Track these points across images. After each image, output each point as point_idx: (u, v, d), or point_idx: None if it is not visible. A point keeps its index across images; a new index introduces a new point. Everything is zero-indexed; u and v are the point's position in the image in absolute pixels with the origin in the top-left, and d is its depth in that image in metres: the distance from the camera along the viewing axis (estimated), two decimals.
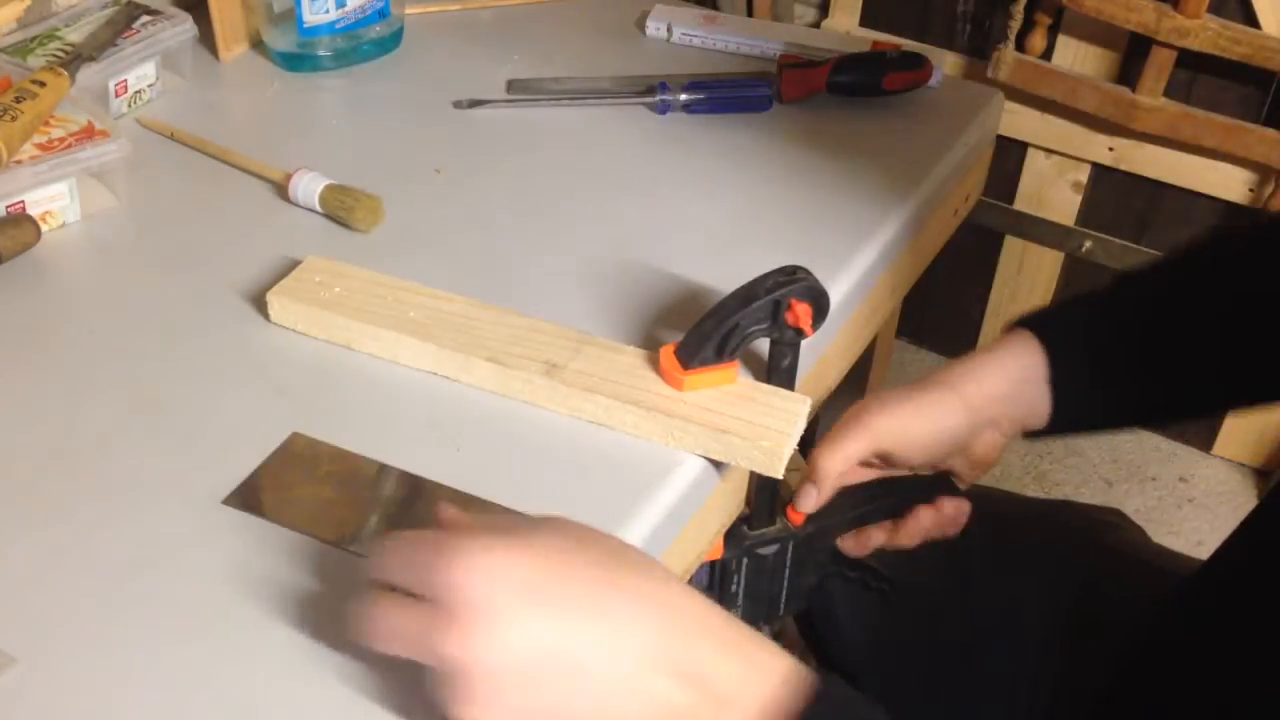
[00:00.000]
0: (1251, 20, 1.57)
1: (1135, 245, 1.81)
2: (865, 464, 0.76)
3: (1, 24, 0.93)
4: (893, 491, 0.77)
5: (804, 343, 0.74)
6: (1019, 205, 1.87)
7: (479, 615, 0.47)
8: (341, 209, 0.83)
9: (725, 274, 0.80)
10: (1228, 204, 1.70)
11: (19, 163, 0.80)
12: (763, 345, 0.70)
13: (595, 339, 0.71)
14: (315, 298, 0.73)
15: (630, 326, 0.75)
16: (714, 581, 0.77)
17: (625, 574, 0.50)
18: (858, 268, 0.82)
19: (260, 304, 0.75)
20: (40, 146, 0.81)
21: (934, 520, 0.77)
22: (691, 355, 0.66)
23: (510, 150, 0.93)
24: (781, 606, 0.79)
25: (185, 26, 0.96)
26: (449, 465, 0.66)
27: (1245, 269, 0.77)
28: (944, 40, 1.82)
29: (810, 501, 0.73)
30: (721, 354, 0.67)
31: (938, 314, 2.03)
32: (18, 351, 0.73)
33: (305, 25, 0.98)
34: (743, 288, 0.68)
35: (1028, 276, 1.92)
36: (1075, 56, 1.72)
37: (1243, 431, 1.88)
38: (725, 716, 0.49)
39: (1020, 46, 1.71)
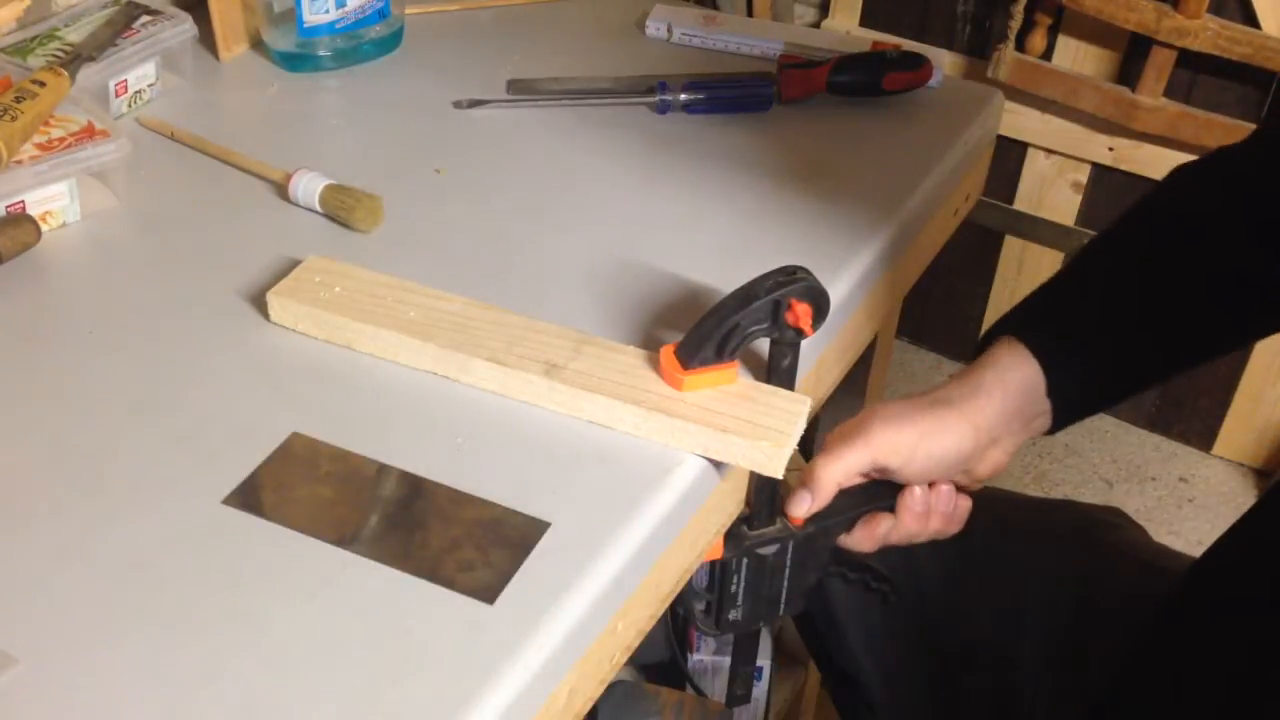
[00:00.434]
0: (1251, 20, 1.57)
1: None
2: (863, 475, 0.76)
3: (1, 24, 0.93)
4: (894, 491, 0.77)
5: (804, 343, 0.74)
6: (1019, 205, 1.87)
7: None
8: (341, 209, 0.83)
9: (725, 274, 0.80)
10: None
11: (19, 163, 0.80)
12: (763, 345, 0.70)
13: (595, 339, 0.71)
14: (315, 298, 0.73)
15: (630, 326, 0.75)
16: (714, 582, 0.77)
17: None
18: (858, 267, 0.82)
19: (260, 304, 0.75)
20: (40, 146, 0.81)
21: (893, 527, 0.76)
22: (691, 355, 0.66)
23: (510, 150, 0.93)
24: (781, 607, 0.79)
25: (185, 26, 0.96)
26: (449, 465, 0.66)
27: (1200, 199, 0.77)
28: (944, 40, 1.82)
29: (803, 507, 0.73)
30: (721, 354, 0.67)
31: (938, 314, 2.03)
32: (18, 351, 0.73)
33: (305, 25, 0.98)
34: (742, 288, 0.68)
35: (1028, 276, 1.92)
36: (1075, 56, 1.72)
37: (1243, 431, 1.88)
38: None
39: (1020, 46, 1.71)
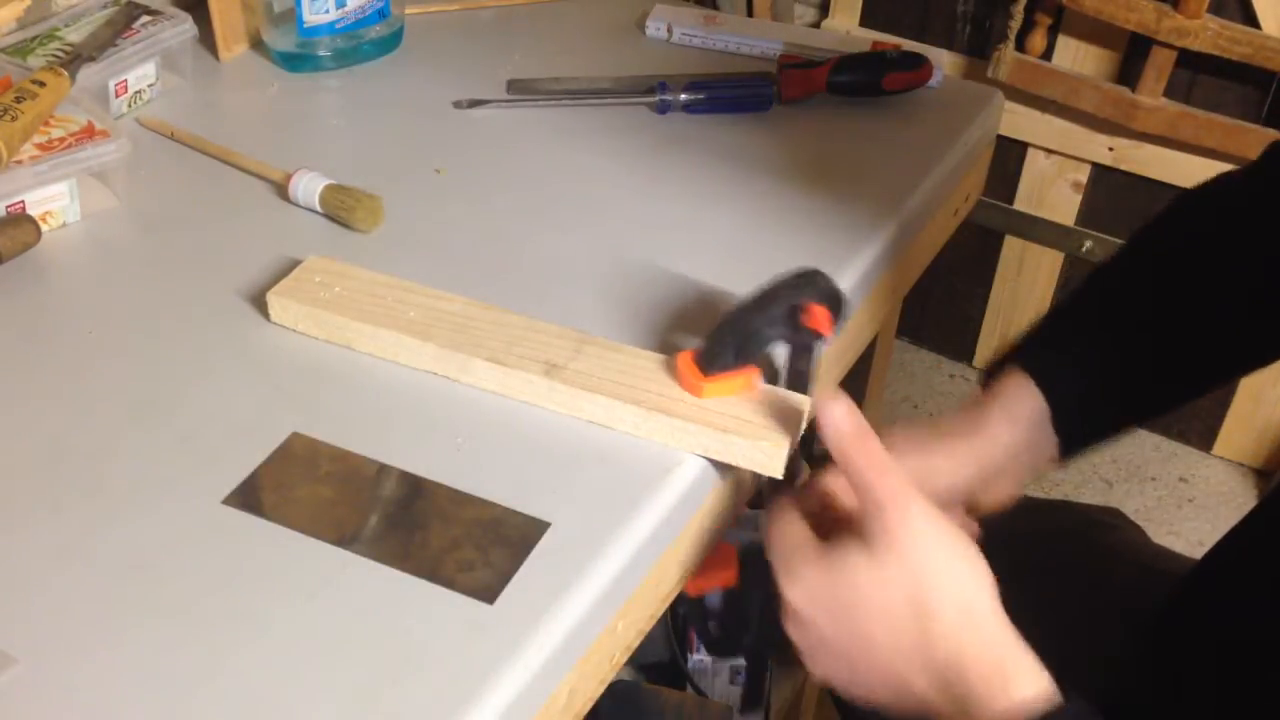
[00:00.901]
0: (1251, 20, 1.57)
1: None
2: None
3: (1, 24, 0.93)
4: None
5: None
6: (1019, 205, 1.87)
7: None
8: (341, 209, 0.83)
9: (725, 273, 0.80)
10: None
11: (19, 163, 0.80)
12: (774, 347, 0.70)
13: (595, 339, 0.71)
14: (315, 298, 0.73)
15: (630, 325, 0.75)
16: (728, 607, 0.77)
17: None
18: (858, 268, 0.82)
19: (260, 304, 0.75)
20: (40, 146, 0.81)
21: None
22: (711, 362, 0.66)
23: (510, 150, 0.93)
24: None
25: (185, 26, 0.96)
26: (449, 465, 0.66)
27: (1200, 227, 0.77)
28: (944, 40, 1.82)
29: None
30: (740, 360, 0.66)
31: (938, 314, 2.03)
32: (18, 351, 0.73)
33: (305, 25, 0.98)
34: (759, 292, 0.67)
35: (1028, 276, 1.92)
36: (1075, 56, 1.72)
37: (1243, 431, 1.88)
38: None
39: (1020, 46, 1.71)
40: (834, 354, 0.83)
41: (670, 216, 0.86)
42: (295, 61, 1.01)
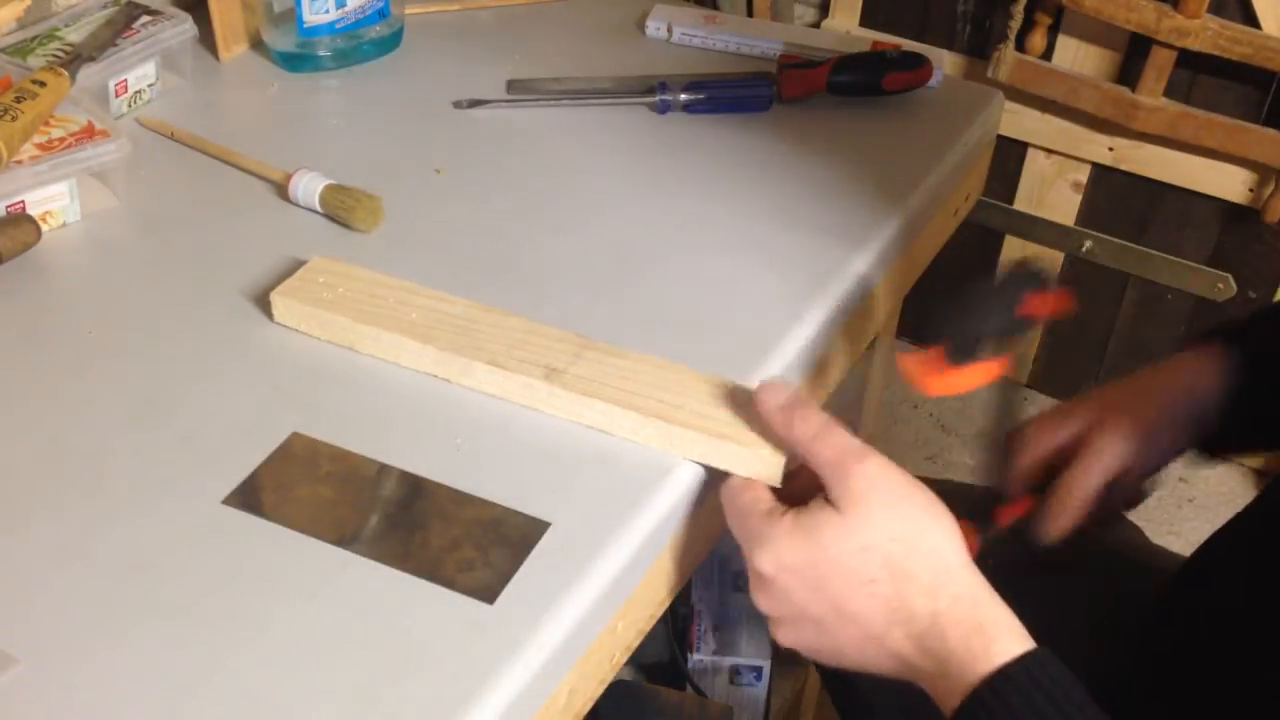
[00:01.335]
0: (1251, 20, 1.57)
1: (1135, 245, 1.81)
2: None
3: (1, 24, 0.93)
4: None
5: (804, 343, 0.74)
6: (1019, 205, 1.87)
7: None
8: (342, 209, 0.83)
9: (725, 273, 0.80)
10: (1228, 204, 1.71)
11: (19, 163, 0.80)
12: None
13: (595, 343, 0.71)
14: (319, 298, 0.73)
15: (630, 327, 0.75)
16: None
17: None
18: (858, 268, 0.82)
19: (260, 304, 0.75)
20: (40, 146, 0.81)
21: None
22: (964, 354, 0.68)
23: (510, 150, 0.93)
24: None
25: (185, 26, 0.96)
26: (449, 465, 0.66)
27: None
28: (944, 40, 1.82)
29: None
30: (992, 351, 0.69)
31: (938, 314, 2.03)
32: (18, 351, 0.73)
33: (305, 25, 0.98)
34: (990, 284, 0.70)
35: None
36: (1075, 56, 1.72)
37: None
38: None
39: (1020, 46, 1.71)
40: (835, 354, 0.83)
41: (670, 216, 0.86)
42: (295, 61, 1.01)
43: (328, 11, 0.98)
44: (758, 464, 0.65)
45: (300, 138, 0.94)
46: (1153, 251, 1.80)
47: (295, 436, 0.67)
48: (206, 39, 1.00)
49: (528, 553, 0.61)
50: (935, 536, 0.59)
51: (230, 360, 0.72)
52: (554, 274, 0.80)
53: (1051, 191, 1.84)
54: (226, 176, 0.89)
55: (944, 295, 0.70)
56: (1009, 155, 1.82)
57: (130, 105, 0.94)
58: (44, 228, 0.81)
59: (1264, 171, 1.64)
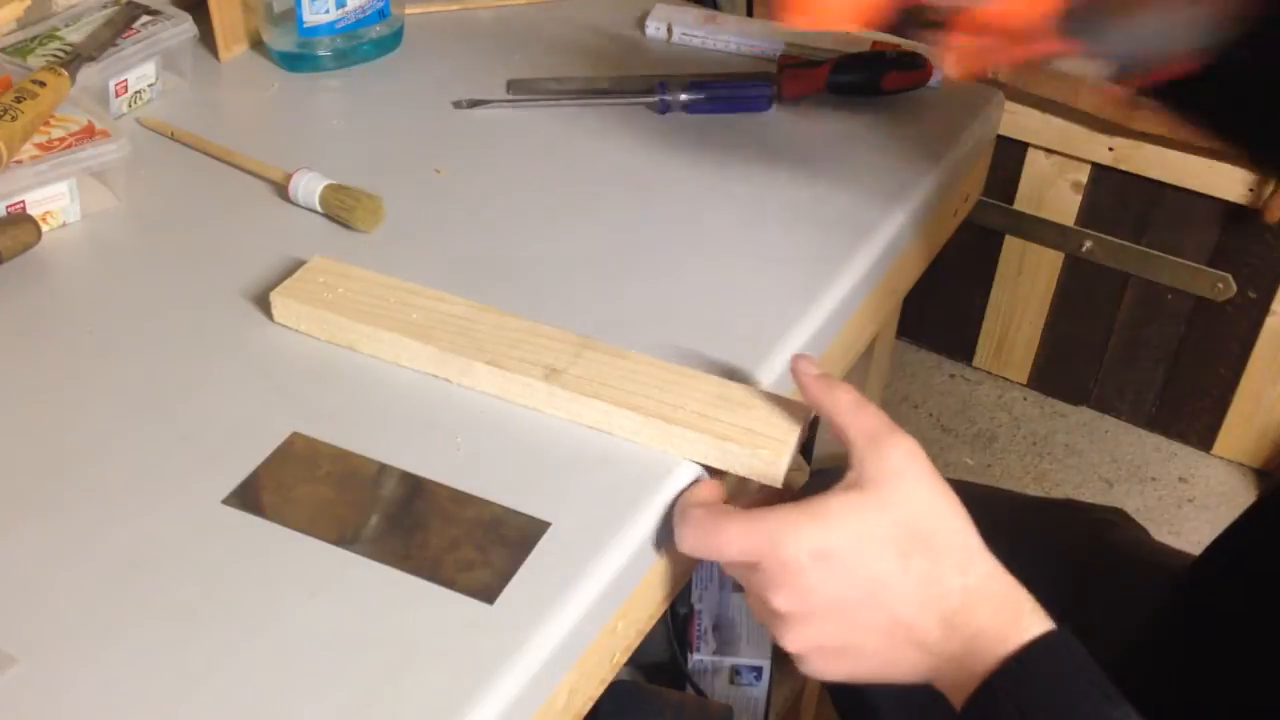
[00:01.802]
0: None
1: (1135, 245, 1.81)
2: None
3: (1, 24, 0.93)
4: None
5: (804, 343, 0.74)
6: (1019, 205, 1.87)
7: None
8: (342, 209, 0.83)
9: (725, 274, 0.80)
10: (1227, 204, 1.71)
11: (19, 163, 0.80)
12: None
13: (595, 343, 0.71)
14: (319, 298, 0.73)
15: (630, 328, 0.75)
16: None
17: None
18: (858, 268, 0.82)
19: (261, 304, 0.75)
20: (40, 146, 0.81)
21: None
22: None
23: (510, 150, 0.93)
24: None
25: (185, 26, 0.96)
26: (449, 465, 0.66)
27: None
28: None
29: None
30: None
31: (938, 314, 2.03)
32: (18, 351, 0.73)
33: (305, 25, 0.98)
34: None
35: (1028, 276, 1.92)
36: None
37: (1243, 431, 1.88)
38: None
39: None
40: (834, 354, 0.83)
41: (670, 216, 0.86)
42: (295, 61, 1.01)
43: (328, 11, 0.98)
44: (758, 464, 0.65)
45: (300, 138, 0.94)
46: (1153, 251, 1.80)
47: (295, 436, 0.67)
48: (206, 39, 1.00)
49: (528, 553, 0.61)
50: (962, 515, 0.59)
51: (230, 360, 0.72)
52: (554, 274, 0.80)
53: (1051, 191, 1.84)
54: (226, 176, 0.89)
55: None
56: (1009, 155, 1.82)
57: (130, 105, 0.94)
58: (44, 228, 0.81)
59: (1264, 171, 1.64)
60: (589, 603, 0.59)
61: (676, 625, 1.28)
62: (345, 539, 0.62)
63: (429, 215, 0.85)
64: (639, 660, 1.27)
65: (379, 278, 0.75)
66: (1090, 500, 1.63)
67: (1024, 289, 1.94)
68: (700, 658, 1.25)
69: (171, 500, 0.63)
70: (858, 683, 0.61)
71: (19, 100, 0.80)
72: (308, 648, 0.56)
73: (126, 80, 0.93)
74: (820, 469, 0.77)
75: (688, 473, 0.66)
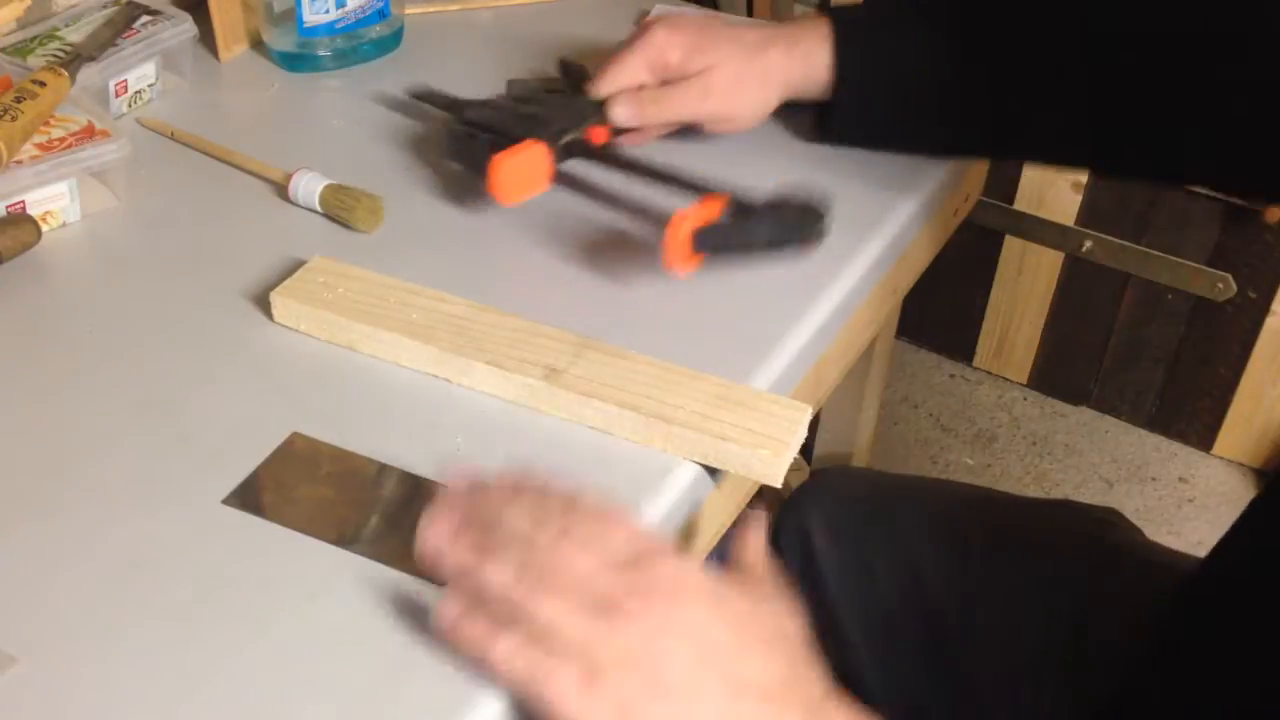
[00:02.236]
0: None
1: (1135, 245, 1.81)
2: None
3: (1, 24, 0.93)
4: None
5: (804, 343, 0.74)
6: (1019, 205, 1.87)
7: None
8: (342, 209, 0.83)
9: (725, 272, 0.80)
10: (1227, 204, 1.71)
11: (19, 163, 0.80)
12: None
13: (595, 343, 0.71)
14: (319, 298, 0.73)
15: (630, 328, 0.75)
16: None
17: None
18: (858, 267, 0.82)
19: (261, 304, 0.75)
20: (40, 146, 0.81)
21: None
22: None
23: None
24: None
25: (185, 26, 0.96)
26: (449, 465, 0.66)
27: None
28: None
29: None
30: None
31: (938, 314, 2.03)
32: (18, 351, 0.73)
33: (305, 25, 0.98)
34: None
35: (1028, 276, 1.92)
36: None
37: (1243, 431, 1.88)
38: None
39: None
40: (834, 354, 0.83)
41: (669, 216, 0.86)
42: (295, 61, 1.01)
43: (328, 11, 0.98)
44: (758, 464, 0.65)
45: (300, 138, 0.94)
46: (1153, 251, 1.80)
47: (295, 436, 0.67)
48: (206, 39, 1.00)
49: None
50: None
51: (230, 360, 0.73)
52: (554, 273, 0.80)
53: (1051, 191, 1.84)
54: (226, 176, 0.89)
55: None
56: None
57: (130, 105, 0.94)
58: (44, 228, 0.81)
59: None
60: None
61: None
62: (345, 539, 0.62)
63: (429, 215, 0.85)
64: None
65: (379, 278, 0.75)
66: (1090, 500, 1.63)
67: (1024, 289, 1.94)
68: None
69: (171, 500, 0.63)
70: None
71: (19, 100, 0.80)
72: (308, 648, 0.56)
73: (126, 80, 0.93)
74: (820, 468, 0.77)
75: (688, 473, 0.66)
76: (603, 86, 0.85)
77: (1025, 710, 0.83)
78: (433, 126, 0.94)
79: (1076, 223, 1.84)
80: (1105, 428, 1.97)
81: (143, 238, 0.83)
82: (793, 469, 0.67)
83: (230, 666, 0.55)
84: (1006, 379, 2.04)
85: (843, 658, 0.90)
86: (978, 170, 1.03)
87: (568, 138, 0.82)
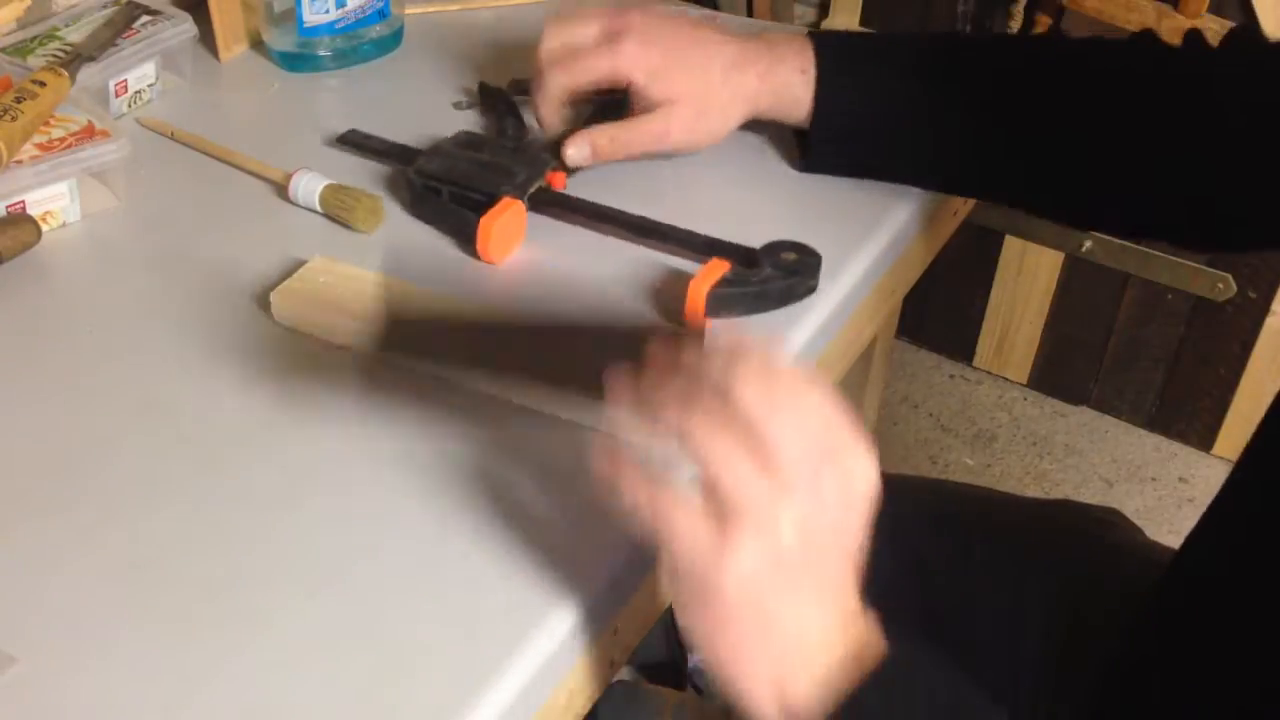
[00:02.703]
0: (1251, 19, 1.57)
1: (1135, 245, 1.81)
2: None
3: (1, 24, 0.93)
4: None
5: (803, 344, 0.74)
6: None
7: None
8: (342, 209, 0.83)
9: None
10: None
11: (19, 163, 0.80)
12: None
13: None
14: (319, 298, 0.73)
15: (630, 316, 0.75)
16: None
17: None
18: (858, 267, 0.82)
19: (260, 303, 0.75)
20: (40, 146, 0.81)
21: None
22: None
23: None
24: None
25: (185, 26, 0.96)
26: (448, 466, 0.66)
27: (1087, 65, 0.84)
28: None
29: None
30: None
31: (938, 314, 2.03)
32: (18, 351, 0.73)
33: (305, 25, 0.98)
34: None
35: (1028, 276, 1.92)
36: None
37: (1243, 431, 1.88)
38: None
39: None
40: (834, 354, 0.83)
41: (669, 215, 0.86)
42: (295, 61, 1.01)
43: (328, 11, 0.98)
44: None
45: (300, 138, 0.94)
46: (1153, 251, 1.80)
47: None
48: (206, 39, 1.00)
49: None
50: None
51: (230, 360, 0.72)
52: (553, 273, 0.80)
53: None
54: (226, 176, 0.89)
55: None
56: None
57: (130, 105, 0.94)
58: (44, 228, 0.81)
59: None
60: (590, 603, 0.59)
61: (676, 625, 1.28)
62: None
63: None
64: (639, 660, 1.27)
65: (379, 278, 0.75)
66: (1090, 500, 1.63)
67: (1024, 289, 1.94)
68: (701, 658, 1.25)
69: (171, 500, 0.63)
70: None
71: (19, 100, 0.80)
72: (308, 648, 0.56)
73: (126, 80, 0.93)
74: None
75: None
76: (556, 86, 0.84)
77: (1025, 708, 0.83)
78: (387, 173, 0.93)
79: None
80: (1105, 428, 1.97)
81: (143, 238, 0.83)
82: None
83: (230, 666, 0.55)
84: (1006, 379, 2.04)
85: None
86: None
87: (533, 188, 0.81)
